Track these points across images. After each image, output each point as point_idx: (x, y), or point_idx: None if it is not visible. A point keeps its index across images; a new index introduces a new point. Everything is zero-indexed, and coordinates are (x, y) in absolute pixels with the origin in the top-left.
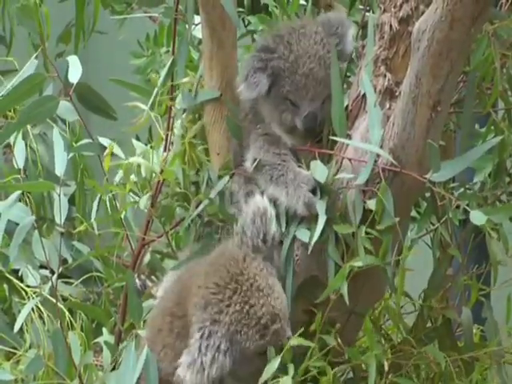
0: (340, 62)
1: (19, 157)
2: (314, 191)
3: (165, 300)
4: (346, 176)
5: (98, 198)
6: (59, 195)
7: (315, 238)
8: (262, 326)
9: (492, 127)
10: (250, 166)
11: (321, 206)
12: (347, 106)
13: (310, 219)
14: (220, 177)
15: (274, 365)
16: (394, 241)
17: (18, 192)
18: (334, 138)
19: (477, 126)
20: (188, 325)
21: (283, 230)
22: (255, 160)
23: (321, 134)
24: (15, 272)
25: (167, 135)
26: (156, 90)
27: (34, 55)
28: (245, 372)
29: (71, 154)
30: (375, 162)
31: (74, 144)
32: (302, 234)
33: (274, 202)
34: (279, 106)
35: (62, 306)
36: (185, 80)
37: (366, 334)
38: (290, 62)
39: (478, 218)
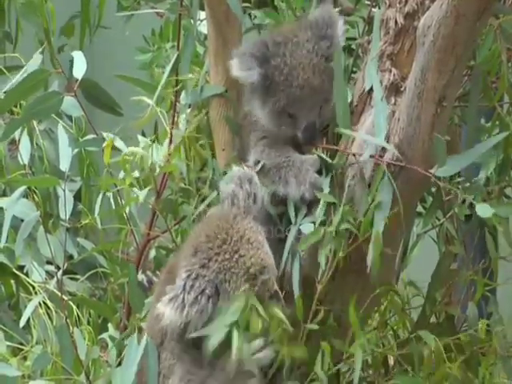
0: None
1: (24, 153)
2: (320, 172)
3: (158, 285)
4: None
5: (101, 194)
6: (64, 190)
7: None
8: (251, 275)
9: (497, 122)
10: (253, 166)
11: (325, 181)
12: (352, 102)
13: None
14: (224, 173)
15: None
16: (399, 235)
17: (23, 188)
18: (339, 130)
19: (482, 121)
20: None
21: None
22: (258, 162)
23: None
24: (21, 268)
25: (171, 130)
26: (161, 85)
27: (38, 51)
28: None
29: (76, 150)
30: (380, 157)
31: (79, 139)
32: (306, 228)
33: (285, 197)
34: (277, 120)
35: (70, 302)
36: (190, 76)
37: (351, 323)
38: (285, 74)
39: (483, 211)
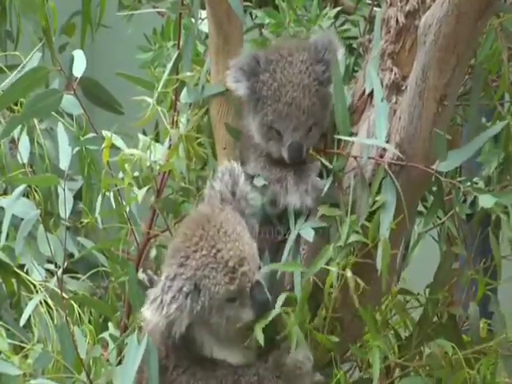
0: (327, 87)
1: (23, 151)
2: (321, 176)
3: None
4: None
5: (102, 193)
6: (64, 189)
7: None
8: (230, 268)
9: (498, 120)
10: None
11: (328, 184)
12: (353, 101)
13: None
14: None
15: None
16: (400, 234)
17: (23, 187)
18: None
19: (483, 120)
20: None
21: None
22: (258, 175)
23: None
24: (22, 267)
25: (171, 128)
26: (161, 84)
27: (36, 48)
28: (216, 322)
29: (77, 148)
30: (381, 157)
31: (80, 138)
32: (307, 233)
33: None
34: (265, 135)
35: (71, 301)
36: (189, 74)
37: (368, 325)
38: (273, 90)
39: (486, 201)
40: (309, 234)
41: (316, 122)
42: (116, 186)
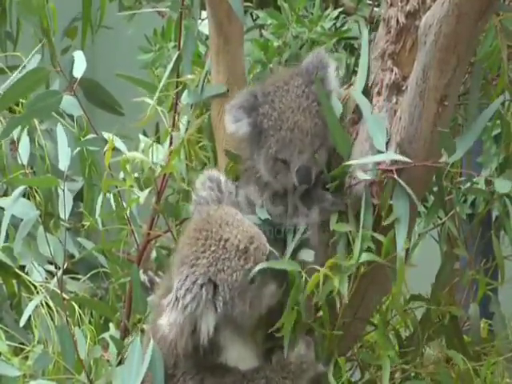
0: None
1: (23, 152)
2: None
3: (164, 280)
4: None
5: (102, 194)
6: (63, 190)
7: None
8: (242, 250)
9: (498, 120)
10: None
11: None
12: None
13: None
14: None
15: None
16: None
17: (22, 187)
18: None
19: None
20: None
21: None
22: (261, 206)
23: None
24: (23, 268)
25: (172, 130)
26: (161, 84)
27: (36, 49)
28: (241, 312)
29: (77, 149)
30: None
31: (80, 139)
32: (306, 255)
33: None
34: (272, 169)
35: (72, 302)
36: (190, 77)
37: (377, 335)
38: (274, 119)
39: (502, 185)
40: (308, 256)
41: (321, 143)
42: (117, 187)
